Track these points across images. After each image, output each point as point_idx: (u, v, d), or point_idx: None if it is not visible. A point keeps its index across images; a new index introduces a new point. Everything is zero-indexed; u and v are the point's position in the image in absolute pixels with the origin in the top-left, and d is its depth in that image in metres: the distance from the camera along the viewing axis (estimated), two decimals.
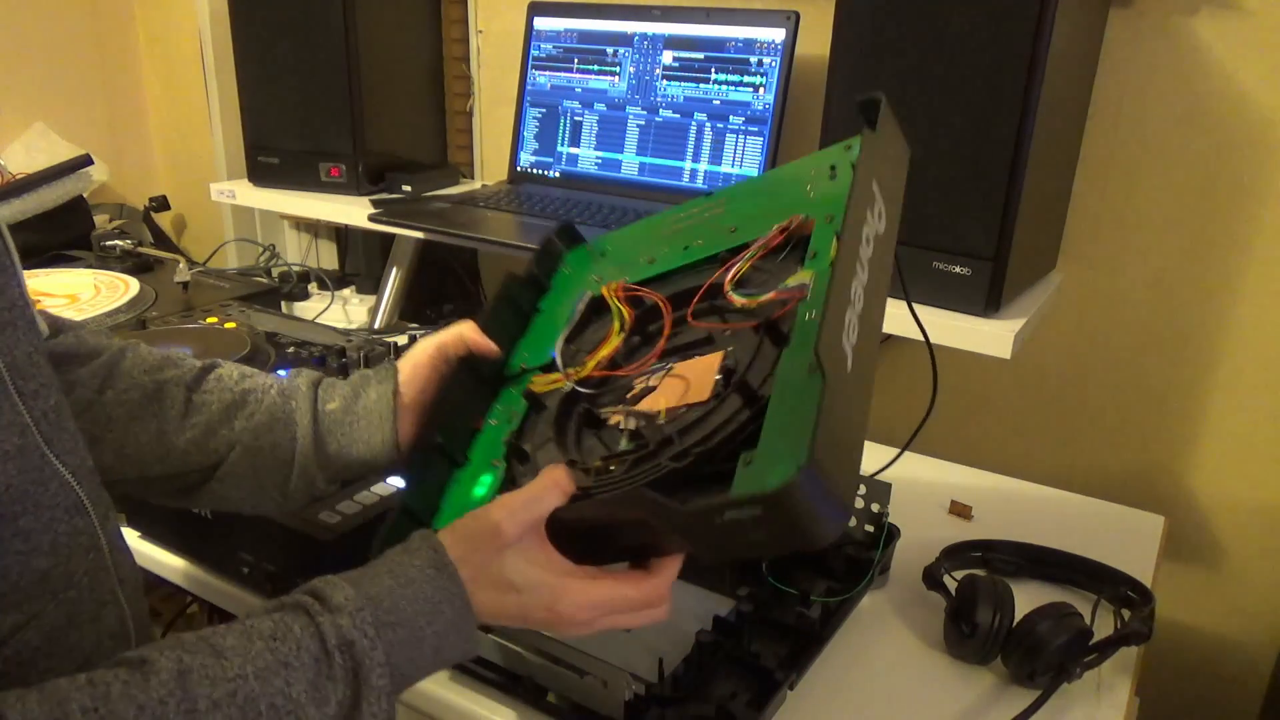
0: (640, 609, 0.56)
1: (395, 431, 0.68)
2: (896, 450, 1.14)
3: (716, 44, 1.23)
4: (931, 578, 0.81)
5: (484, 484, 0.64)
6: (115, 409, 0.66)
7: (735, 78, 1.22)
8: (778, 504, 0.44)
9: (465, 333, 0.70)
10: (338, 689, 0.47)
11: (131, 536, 0.90)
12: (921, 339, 0.97)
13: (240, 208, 1.83)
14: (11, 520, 0.48)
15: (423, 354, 0.71)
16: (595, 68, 1.32)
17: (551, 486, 0.55)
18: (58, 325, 0.70)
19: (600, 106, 1.33)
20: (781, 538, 0.46)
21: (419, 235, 1.29)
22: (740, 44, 1.21)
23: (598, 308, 0.72)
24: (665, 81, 1.27)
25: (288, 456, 0.67)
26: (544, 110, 1.38)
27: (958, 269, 0.94)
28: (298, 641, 0.48)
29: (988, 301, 0.93)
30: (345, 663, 0.48)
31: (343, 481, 0.72)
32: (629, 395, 0.64)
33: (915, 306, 0.97)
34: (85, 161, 1.69)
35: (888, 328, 0.99)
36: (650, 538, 0.55)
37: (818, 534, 0.45)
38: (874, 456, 1.07)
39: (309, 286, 1.54)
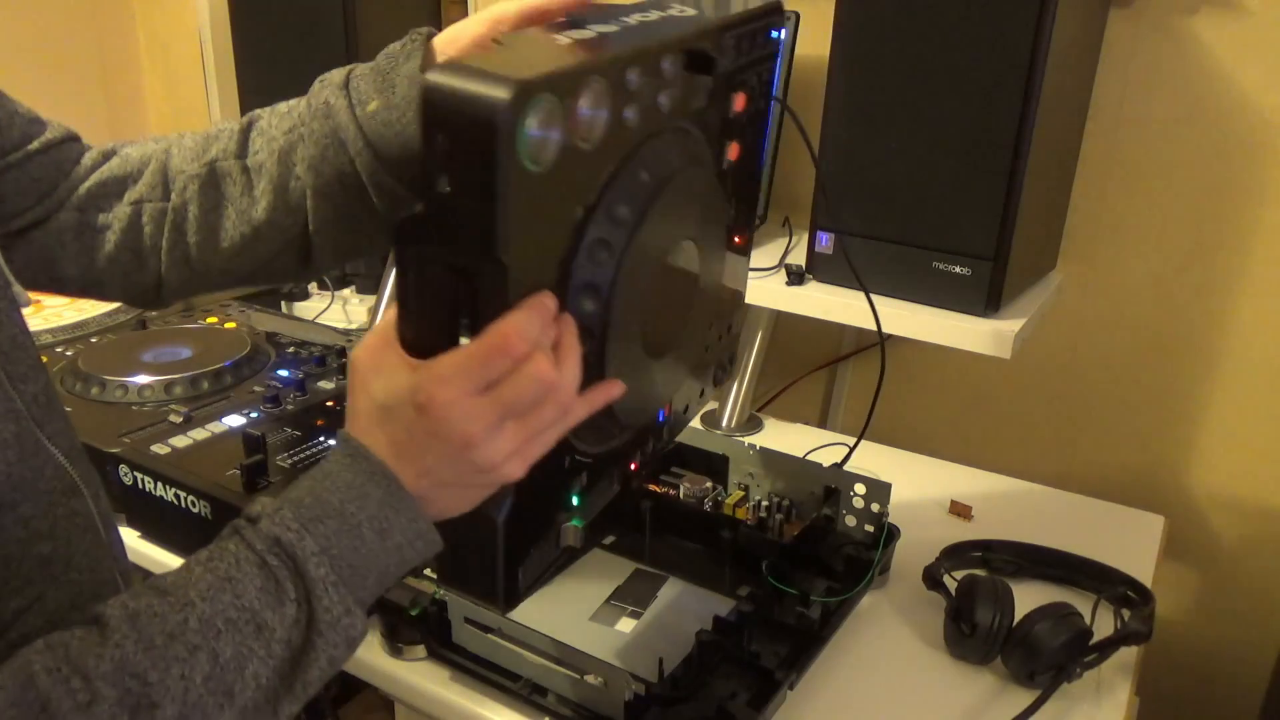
0: (519, 376, 0.45)
1: None
2: (893, 448, 1.14)
3: None
4: (931, 578, 0.81)
5: None
6: (185, 212, 0.66)
7: None
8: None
9: (524, 6, 0.61)
10: (287, 589, 0.46)
11: (131, 536, 0.90)
12: (922, 340, 0.97)
13: None
14: (12, 508, 0.48)
15: (472, 28, 0.63)
16: None
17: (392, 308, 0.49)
18: (105, 151, 0.70)
19: None
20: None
21: None
22: None
23: None
24: None
25: (354, 179, 0.63)
26: None
27: (958, 269, 0.94)
28: (234, 556, 0.46)
29: (988, 301, 0.93)
30: (283, 562, 0.46)
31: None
32: None
33: (915, 305, 0.97)
34: None
35: (888, 327, 0.99)
36: (463, 291, 0.46)
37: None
38: (872, 456, 1.08)
39: (309, 286, 1.54)
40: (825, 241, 1.02)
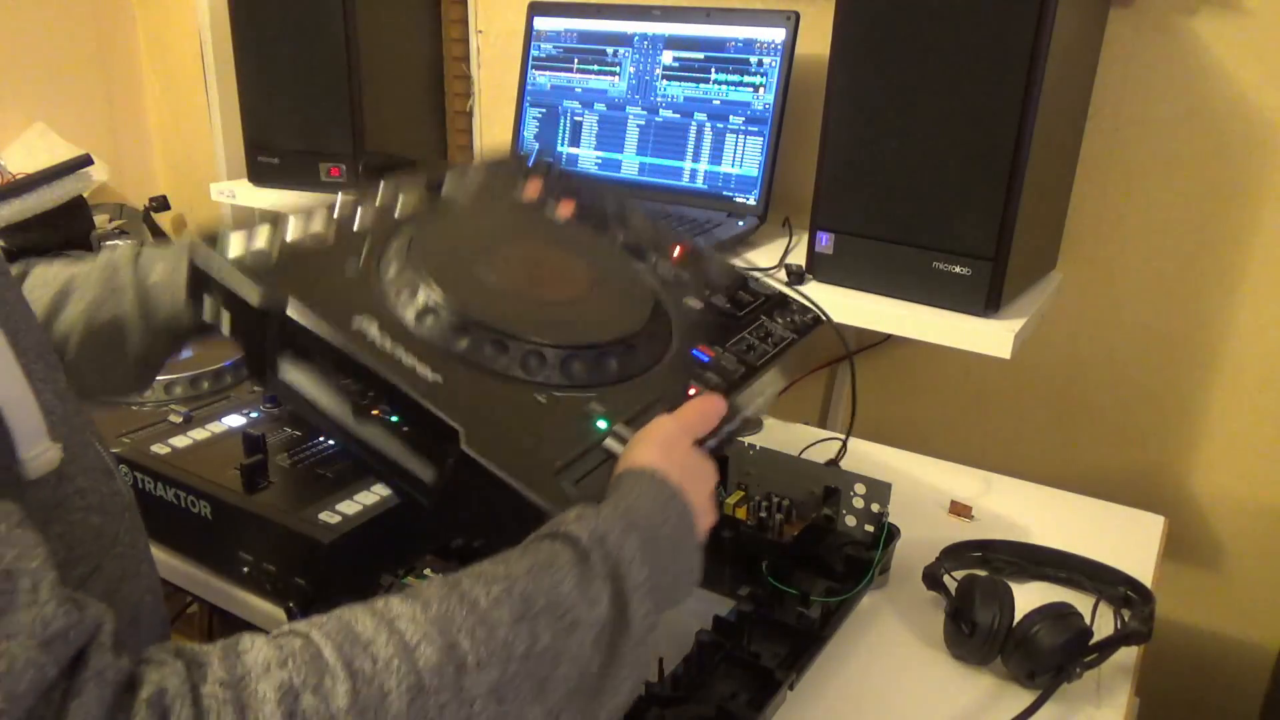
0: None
1: None
2: (893, 448, 1.14)
3: (716, 44, 1.23)
4: (931, 578, 0.81)
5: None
6: None
7: (735, 78, 1.22)
8: None
9: None
10: (604, 586, 0.47)
11: None
12: (922, 340, 0.97)
13: (240, 208, 1.82)
14: (72, 479, 0.50)
15: None
16: (595, 68, 1.32)
17: (711, 409, 0.60)
18: None
19: (600, 106, 1.33)
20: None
21: None
22: (740, 44, 1.21)
23: None
24: (665, 81, 1.27)
25: (120, 336, 0.66)
26: (544, 110, 1.38)
27: (958, 269, 0.94)
28: (552, 550, 0.48)
29: (988, 301, 0.93)
30: (603, 561, 0.48)
31: (179, 346, 0.71)
32: None
33: (915, 305, 0.97)
34: (85, 161, 1.69)
35: (888, 327, 0.99)
36: None
37: None
38: (872, 456, 1.08)
39: None
40: (825, 241, 1.02)
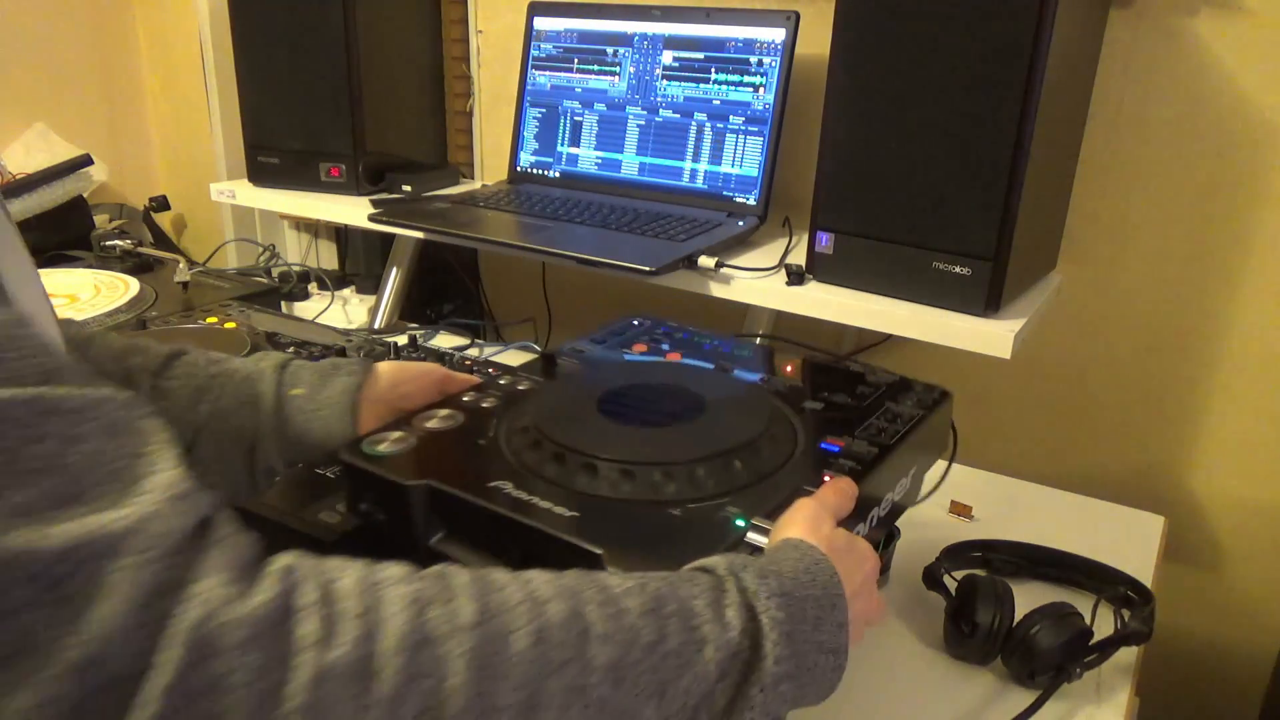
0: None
1: (354, 426, 0.68)
2: None
3: (716, 44, 1.23)
4: (931, 578, 0.81)
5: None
6: None
7: (735, 78, 1.22)
8: None
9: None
10: (737, 614, 0.45)
11: None
12: (922, 340, 0.97)
13: (240, 208, 1.83)
14: None
15: (418, 375, 0.73)
16: (595, 68, 1.32)
17: (846, 488, 0.60)
18: None
19: (600, 106, 1.33)
20: None
21: (419, 235, 1.29)
22: (740, 44, 1.21)
23: None
24: (665, 81, 1.27)
25: (250, 438, 0.67)
26: (544, 110, 1.38)
27: (958, 269, 0.94)
28: (685, 575, 0.47)
29: (988, 301, 0.93)
30: (738, 592, 0.46)
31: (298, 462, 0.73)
32: None
33: (915, 305, 0.97)
34: (85, 161, 1.69)
35: (888, 327, 0.99)
36: None
37: None
38: None
39: (309, 286, 1.54)
40: (825, 241, 1.02)
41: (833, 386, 0.76)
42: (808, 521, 0.54)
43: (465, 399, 0.71)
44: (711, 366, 0.81)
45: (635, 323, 0.91)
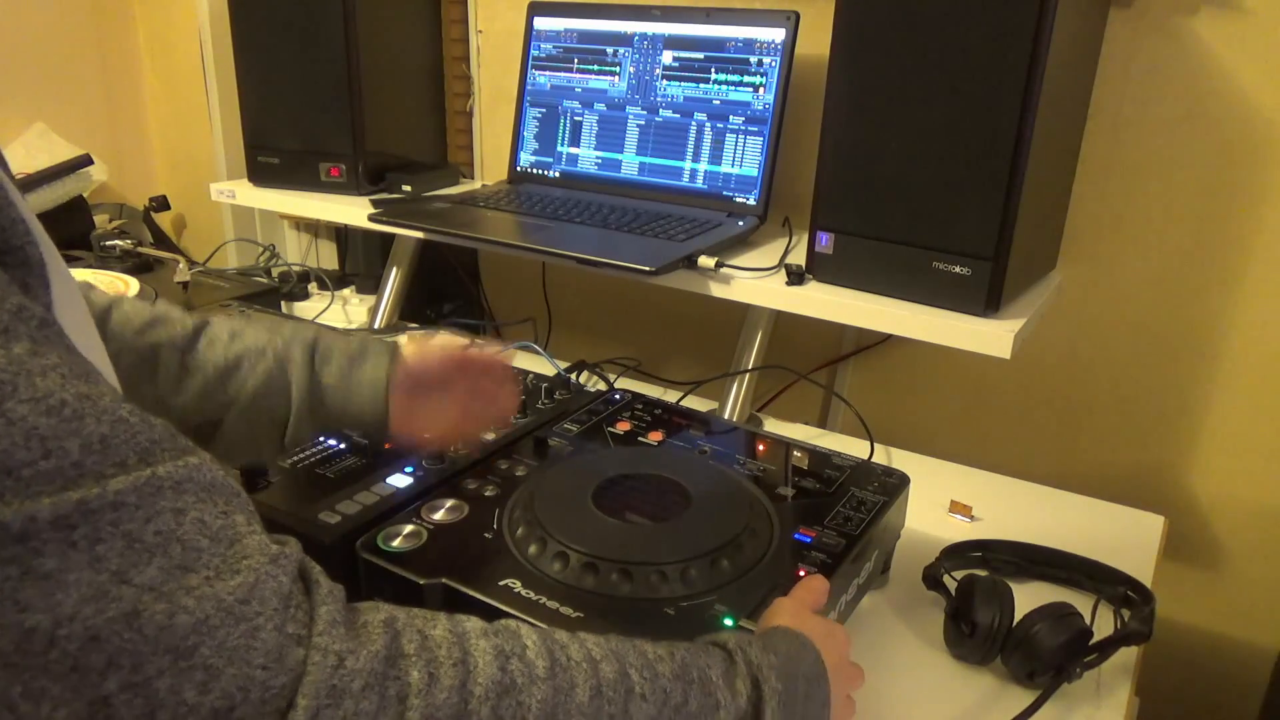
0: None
1: (387, 409, 0.72)
2: (894, 448, 1.14)
3: (716, 44, 1.23)
4: (931, 578, 0.81)
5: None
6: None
7: (735, 78, 1.22)
8: None
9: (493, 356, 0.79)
10: (744, 685, 0.52)
11: None
12: (922, 339, 0.97)
13: (240, 208, 1.83)
14: None
15: (440, 354, 0.76)
16: (595, 68, 1.32)
17: (818, 586, 0.66)
18: None
19: (600, 106, 1.33)
20: None
21: (419, 235, 1.29)
22: (740, 44, 1.21)
23: None
24: (665, 81, 1.27)
25: (283, 418, 0.70)
26: (544, 110, 1.38)
27: (958, 269, 0.94)
28: (702, 647, 0.54)
29: (988, 301, 0.93)
30: (746, 665, 0.53)
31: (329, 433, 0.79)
32: None
33: (915, 305, 0.97)
34: (85, 161, 1.69)
35: (887, 327, 0.99)
36: None
37: None
38: (859, 450, 1.08)
39: (309, 286, 1.54)
40: (825, 241, 1.02)
41: (801, 471, 0.83)
42: (790, 616, 0.61)
43: (469, 486, 0.77)
44: (692, 449, 0.87)
45: (617, 397, 0.97)
